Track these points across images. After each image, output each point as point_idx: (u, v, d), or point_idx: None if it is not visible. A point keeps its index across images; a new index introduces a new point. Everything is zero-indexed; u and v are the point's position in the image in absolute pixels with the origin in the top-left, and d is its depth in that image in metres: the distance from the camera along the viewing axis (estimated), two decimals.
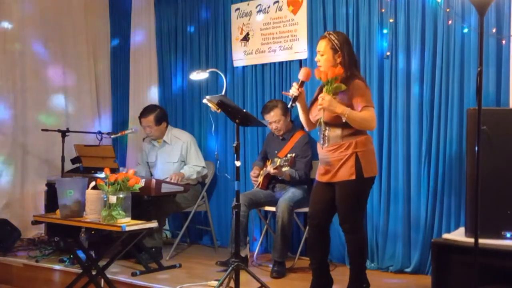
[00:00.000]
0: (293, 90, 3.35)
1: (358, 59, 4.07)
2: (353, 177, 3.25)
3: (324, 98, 3.19)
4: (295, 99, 3.36)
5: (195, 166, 4.97)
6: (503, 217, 3.16)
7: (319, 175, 3.46)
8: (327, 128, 3.33)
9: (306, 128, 3.63)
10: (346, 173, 3.27)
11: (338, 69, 3.22)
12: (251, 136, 5.07)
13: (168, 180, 4.69)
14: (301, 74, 3.40)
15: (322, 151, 3.39)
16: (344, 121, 3.21)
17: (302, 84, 3.38)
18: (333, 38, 3.31)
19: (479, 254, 2.68)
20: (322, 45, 3.35)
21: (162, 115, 5.04)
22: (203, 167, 5.02)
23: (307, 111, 3.50)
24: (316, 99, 3.46)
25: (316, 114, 3.39)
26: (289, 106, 3.46)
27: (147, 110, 5.03)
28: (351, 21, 4.37)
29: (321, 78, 3.23)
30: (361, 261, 3.40)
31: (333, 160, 3.31)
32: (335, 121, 3.28)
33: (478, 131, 2.68)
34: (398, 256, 4.15)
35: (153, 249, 4.54)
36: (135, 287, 3.93)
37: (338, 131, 3.30)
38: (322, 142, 3.37)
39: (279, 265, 4.14)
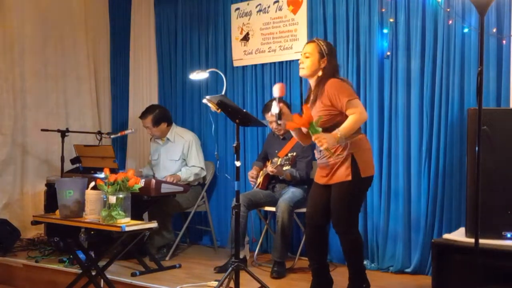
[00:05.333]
0: (274, 109, 3.39)
1: (358, 59, 4.28)
2: (349, 177, 3.26)
3: (321, 139, 3.13)
4: (279, 116, 3.39)
5: (193, 167, 4.95)
6: (504, 217, 3.16)
7: (316, 177, 3.49)
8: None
9: (302, 144, 3.65)
10: (342, 175, 3.29)
11: (309, 114, 3.22)
12: (251, 136, 5.07)
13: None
14: (275, 91, 3.41)
15: (318, 154, 3.44)
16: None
17: (280, 100, 3.40)
18: (322, 44, 3.40)
19: (480, 254, 2.68)
20: (310, 48, 3.41)
21: (162, 115, 5.00)
22: (202, 168, 4.99)
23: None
24: (306, 101, 3.50)
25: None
26: (279, 123, 3.52)
27: (146, 111, 5.03)
28: (351, 21, 4.37)
29: (304, 125, 3.23)
30: (357, 261, 3.40)
31: (330, 163, 3.33)
32: (328, 125, 3.28)
33: (478, 131, 2.68)
34: (398, 256, 4.14)
35: (165, 250, 4.68)
36: None
37: None
38: (318, 152, 3.43)
39: (279, 265, 4.14)
